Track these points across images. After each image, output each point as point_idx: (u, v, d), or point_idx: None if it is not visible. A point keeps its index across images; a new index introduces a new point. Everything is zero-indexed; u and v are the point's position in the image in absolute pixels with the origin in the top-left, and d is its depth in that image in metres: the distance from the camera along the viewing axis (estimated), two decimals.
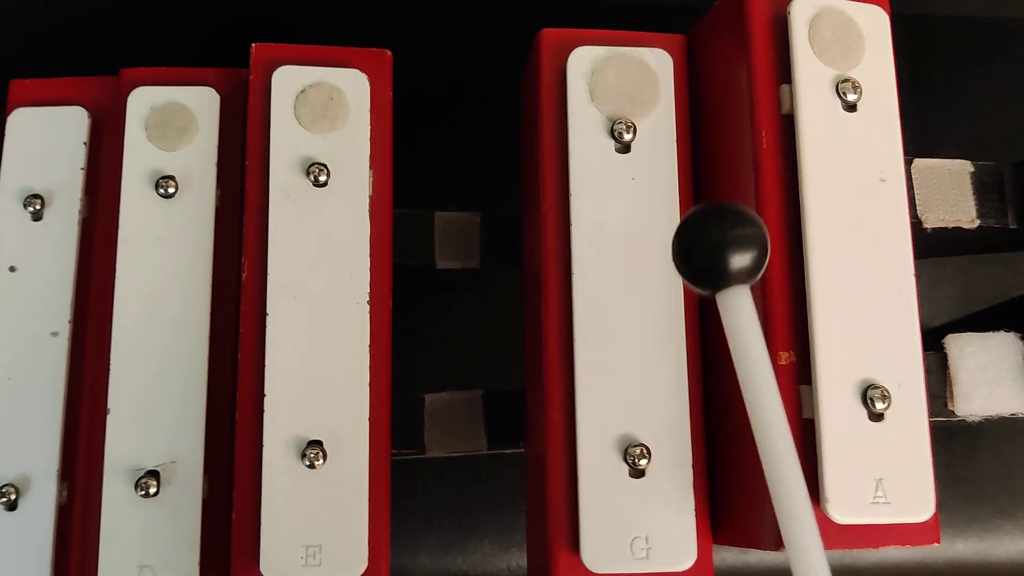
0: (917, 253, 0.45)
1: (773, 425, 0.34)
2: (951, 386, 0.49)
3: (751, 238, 0.34)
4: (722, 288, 0.35)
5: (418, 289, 0.54)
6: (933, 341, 0.50)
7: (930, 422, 0.44)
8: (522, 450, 0.53)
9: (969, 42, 0.73)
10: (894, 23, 0.48)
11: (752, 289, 0.44)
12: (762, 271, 0.35)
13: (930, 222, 0.52)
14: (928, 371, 0.46)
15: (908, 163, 0.50)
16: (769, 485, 0.34)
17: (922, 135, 0.67)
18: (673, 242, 0.36)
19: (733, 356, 0.35)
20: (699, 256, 0.35)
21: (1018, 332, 0.51)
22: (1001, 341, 0.50)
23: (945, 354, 0.50)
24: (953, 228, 0.52)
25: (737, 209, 0.35)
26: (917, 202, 0.51)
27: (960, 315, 0.69)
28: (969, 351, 0.49)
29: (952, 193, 0.52)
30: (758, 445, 0.35)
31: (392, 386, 0.48)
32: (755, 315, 0.35)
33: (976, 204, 0.53)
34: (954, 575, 0.68)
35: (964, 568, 0.68)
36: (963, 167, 0.53)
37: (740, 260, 0.34)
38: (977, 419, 0.50)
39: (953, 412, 0.49)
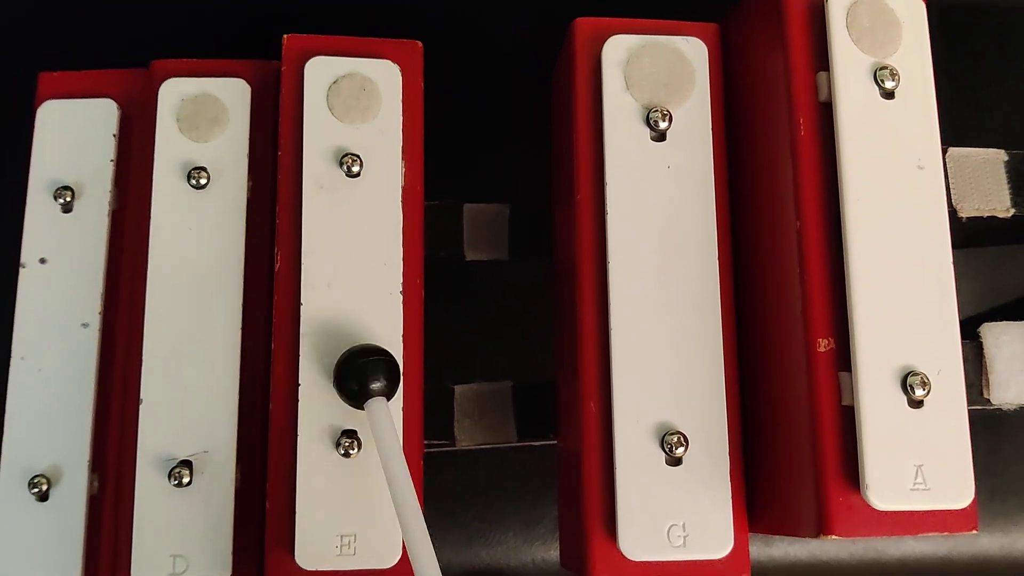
0: (952, 243, 0.45)
1: (409, 508, 0.42)
2: (987, 374, 0.49)
3: (382, 366, 0.45)
4: (365, 402, 0.45)
5: (446, 280, 0.54)
6: (965, 330, 0.50)
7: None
8: (549, 442, 0.53)
9: (1004, 30, 0.72)
10: (929, 12, 0.48)
11: (790, 277, 0.45)
12: (396, 389, 0.46)
13: (965, 211, 0.52)
14: (964, 360, 0.45)
15: (943, 152, 0.50)
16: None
17: (957, 124, 0.67)
18: (333, 376, 0.46)
19: (379, 453, 0.44)
20: (346, 381, 0.45)
21: None
22: None
23: (981, 343, 0.50)
24: (988, 217, 0.52)
25: (372, 347, 0.46)
26: (952, 192, 0.51)
27: (991, 305, 0.69)
28: (1005, 339, 0.49)
29: (987, 182, 0.52)
30: (400, 524, 0.42)
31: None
32: (392, 421, 0.44)
33: (1011, 193, 0.53)
34: (978, 569, 0.68)
35: (988, 562, 0.68)
36: (997, 156, 0.53)
37: (375, 381, 0.44)
38: (1013, 408, 0.49)
39: (989, 400, 0.49)
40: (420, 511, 0.42)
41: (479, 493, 0.65)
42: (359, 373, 0.45)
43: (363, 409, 0.45)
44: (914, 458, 0.42)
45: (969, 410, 0.44)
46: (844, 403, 0.43)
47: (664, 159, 0.48)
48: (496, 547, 0.65)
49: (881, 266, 0.44)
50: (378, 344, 0.46)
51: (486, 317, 0.66)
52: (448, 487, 0.65)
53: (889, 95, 0.45)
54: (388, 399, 0.45)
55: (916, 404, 0.43)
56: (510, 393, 0.54)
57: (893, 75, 0.45)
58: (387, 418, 0.44)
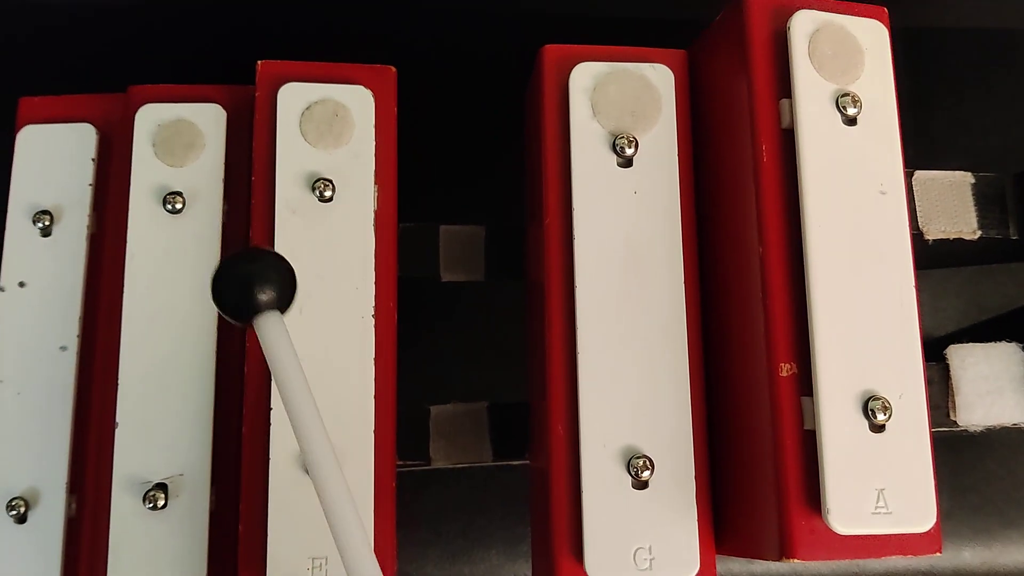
0: (919, 264, 0.46)
1: (312, 433, 0.37)
2: (953, 396, 0.50)
3: (272, 271, 0.38)
4: (255, 317, 0.38)
5: (423, 302, 0.55)
6: (937, 352, 0.51)
7: (933, 432, 0.44)
8: (526, 462, 0.54)
9: (971, 54, 0.73)
10: (896, 37, 0.48)
11: (753, 302, 0.45)
12: (292, 300, 0.39)
13: (932, 233, 0.52)
14: (930, 381, 0.46)
15: (909, 175, 0.50)
16: (318, 494, 0.37)
17: (924, 148, 0.68)
18: (211, 288, 0.39)
19: (273, 376, 0.38)
20: (229, 294, 0.38)
21: (1020, 342, 0.51)
22: (1003, 352, 0.50)
23: (947, 364, 0.50)
24: (955, 239, 0.52)
25: (259, 250, 0.40)
26: (919, 214, 0.52)
27: (965, 326, 0.69)
28: (971, 361, 0.50)
29: (953, 204, 0.52)
30: (302, 452, 0.38)
31: (397, 398, 0.48)
32: (288, 338, 0.38)
33: (977, 215, 0.53)
34: None
35: None
36: (964, 179, 0.53)
37: (264, 293, 0.38)
38: (979, 429, 0.50)
39: (955, 422, 0.50)
40: (332, 452, 0.37)
41: (462, 510, 0.65)
42: (242, 284, 0.38)
43: (250, 327, 0.39)
44: (876, 482, 0.42)
45: (936, 432, 0.45)
46: (806, 427, 0.43)
47: (631, 185, 0.48)
48: (479, 564, 0.65)
49: (843, 291, 0.44)
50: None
51: (462, 338, 0.66)
52: (431, 504, 0.65)
53: (851, 121, 0.46)
54: (283, 312, 0.39)
55: (877, 428, 0.43)
56: (486, 413, 0.54)
57: (855, 102, 0.46)
58: (283, 339, 0.38)
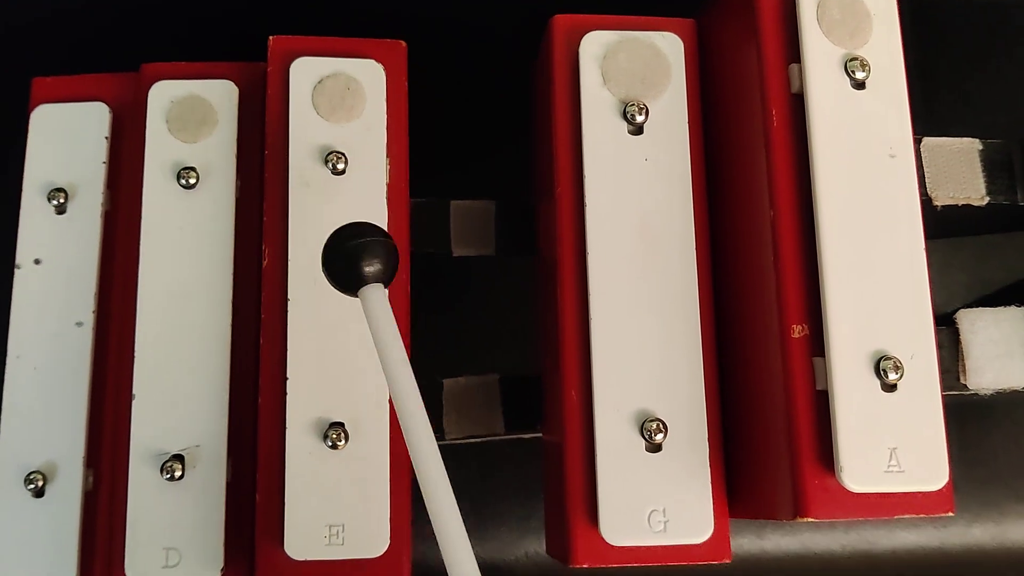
0: (929, 233, 0.46)
1: (410, 402, 0.40)
2: (963, 360, 0.50)
3: (377, 246, 0.42)
4: (359, 289, 0.41)
5: (435, 276, 0.55)
6: (947, 323, 0.51)
7: (943, 396, 0.44)
8: (539, 435, 0.54)
9: (979, 27, 0.73)
10: (903, 9, 0.48)
11: (764, 265, 0.45)
12: (393, 273, 0.42)
13: (940, 200, 0.52)
14: (940, 346, 0.46)
15: (917, 142, 0.51)
16: (417, 471, 0.39)
17: (932, 119, 0.68)
18: (321, 258, 0.43)
19: (375, 345, 0.41)
20: (337, 265, 0.42)
21: None
22: (1012, 316, 0.50)
23: (957, 329, 0.50)
24: (963, 206, 0.53)
25: (366, 225, 0.43)
26: (927, 180, 0.52)
27: (974, 298, 0.69)
28: (980, 325, 0.50)
29: (961, 171, 0.53)
30: (401, 424, 0.40)
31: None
32: (389, 309, 0.41)
33: (985, 182, 0.53)
34: (970, 559, 0.68)
35: (980, 552, 0.68)
36: (972, 145, 0.53)
37: (370, 265, 0.41)
38: (989, 392, 0.50)
39: (966, 386, 0.50)
40: (427, 422, 0.40)
41: (473, 488, 0.66)
42: (352, 255, 0.41)
43: (356, 296, 0.42)
44: (888, 441, 0.43)
45: (947, 396, 0.45)
46: (818, 388, 0.44)
47: (641, 152, 0.49)
48: (490, 541, 0.65)
49: (853, 253, 0.44)
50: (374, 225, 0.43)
51: (474, 312, 0.66)
52: None
53: (860, 86, 0.46)
54: (385, 285, 0.42)
55: (889, 388, 0.43)
56: (498, 386, 0.54)
57: (864, 66, 0.46)
58: (385, 307, 0.41)
